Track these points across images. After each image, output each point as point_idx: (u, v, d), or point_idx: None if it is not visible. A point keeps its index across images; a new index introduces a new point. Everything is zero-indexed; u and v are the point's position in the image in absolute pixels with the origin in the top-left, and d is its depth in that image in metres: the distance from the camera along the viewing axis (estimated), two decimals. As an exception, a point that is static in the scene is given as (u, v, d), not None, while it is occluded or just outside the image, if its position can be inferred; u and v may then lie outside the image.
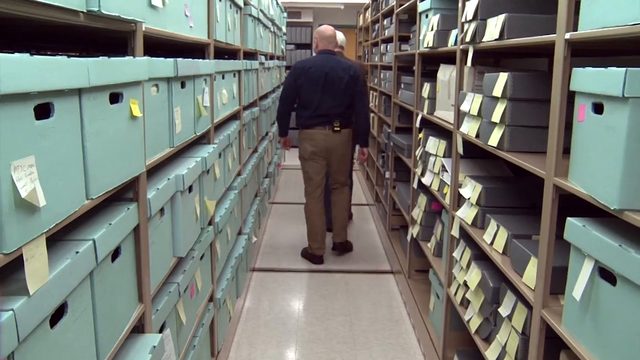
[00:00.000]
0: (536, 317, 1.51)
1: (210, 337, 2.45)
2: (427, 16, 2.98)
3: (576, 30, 1.32)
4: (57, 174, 0.94)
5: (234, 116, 3.16)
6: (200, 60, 2.02)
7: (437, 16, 2.71)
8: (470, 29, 2.09)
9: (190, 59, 1.85)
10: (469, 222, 2.14)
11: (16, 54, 0.79)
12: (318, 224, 4.10)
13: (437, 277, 2.73)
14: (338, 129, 3.95)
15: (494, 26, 1.86)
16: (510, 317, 1.73)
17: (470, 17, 2.09)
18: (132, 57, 1.30)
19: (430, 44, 2.77)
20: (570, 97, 1.37)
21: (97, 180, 1.11)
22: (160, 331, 1.62)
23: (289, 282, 3.79)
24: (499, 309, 1.81)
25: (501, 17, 1.79)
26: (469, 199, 2.19)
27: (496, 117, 1.81)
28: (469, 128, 2.12)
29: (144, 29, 1.39)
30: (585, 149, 1.25)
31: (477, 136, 2.03)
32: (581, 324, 1.26)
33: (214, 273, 2.45)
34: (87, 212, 1.12)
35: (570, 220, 1.29)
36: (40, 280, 0.86)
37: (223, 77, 2.68)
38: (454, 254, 2.36)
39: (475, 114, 2.03)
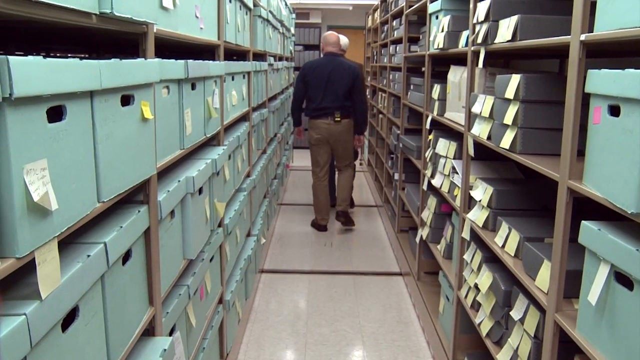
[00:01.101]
0: (549, 321, 1.49)
1: (220, 339, 2.45)
2: (437, 17, 2.97)
3: (591, 32, 1.30)
4: (69, 177, 0.93)
5: (244, 117, 3.15)
6: (211, 61, 2.02)
7: (448, 17, 2.69)
8: (482, 30, 2.07)
9: (200, 61, 1.85)
10: (480, 225, 2.13)
11: (29, 57, 0.78)
12: (322, 200, 4.84)
13: (447, 280, 2.71)
14: (339, 119, 4.63)
15: (506, 27, 1.84)
16: (522, 320, 1.71)
17: (482, 18, 2.07)
18: (143, 58, 1.30)
19: (441, 45, 2.76)
20: (584, 99, 1.36)
21: (109, 183, 1.10)
22: (170, 334, 1.62)
23: (298, 284, 3.78)
24: (510, 312, 1.79)
25: (514, 19, 1.77)
26: (479, 201, 2.17)
27: (508, 119, 1.79)
28: (481, 130, 2.10)
29: (155, 30, 1.39)
30: (601, 152, 1.24)
31: (489, 138, 2.02)
32: (596, 329, 1.24)
33: (224, 275, 2.45)
34: (97, 215, 1.12)
35: (585, 223, 1.27)
36: (52, 285, 0.86)
37: (233, 79, 2.67)
38: (465, 257, 2.35)
39: (487, 115, 2.01)
